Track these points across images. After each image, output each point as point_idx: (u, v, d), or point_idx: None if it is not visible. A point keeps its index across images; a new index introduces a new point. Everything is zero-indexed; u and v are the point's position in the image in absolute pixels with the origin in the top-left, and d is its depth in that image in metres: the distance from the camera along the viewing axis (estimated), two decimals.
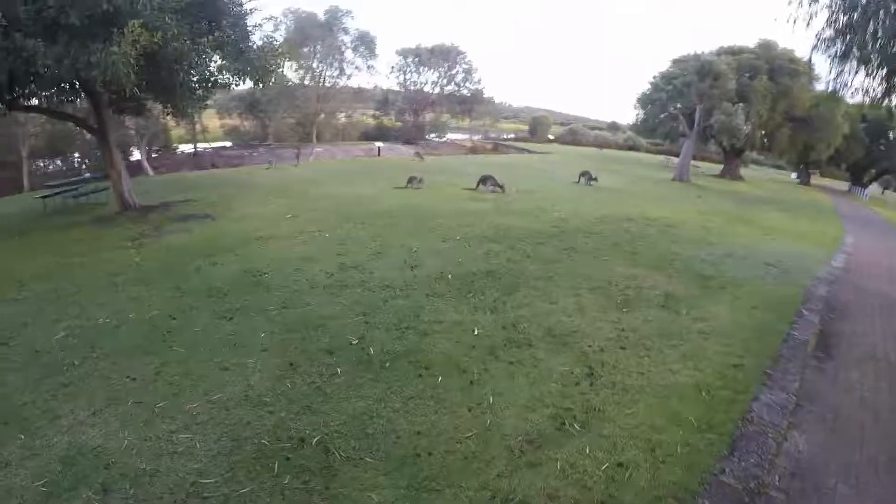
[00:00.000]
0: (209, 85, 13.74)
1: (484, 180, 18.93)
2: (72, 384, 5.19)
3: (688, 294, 8.25)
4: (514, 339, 6.29)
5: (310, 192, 17.10)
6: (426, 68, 54.21)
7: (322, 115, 44.85)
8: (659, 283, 8.71)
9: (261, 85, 15.05)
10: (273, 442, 4.27)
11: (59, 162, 37.29)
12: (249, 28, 13.76)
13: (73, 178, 20.08)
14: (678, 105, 30.89)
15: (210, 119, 49.20)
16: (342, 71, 46.11)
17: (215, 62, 13.14)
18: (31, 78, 10.62)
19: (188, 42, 11.01)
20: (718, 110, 27.85)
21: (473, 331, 6.47)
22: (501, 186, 18.44)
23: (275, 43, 14.70)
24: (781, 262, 10.90)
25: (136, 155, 36.53)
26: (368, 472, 3.94)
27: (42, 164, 35.70)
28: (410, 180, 19.00)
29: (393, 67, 54.26)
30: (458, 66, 54.36)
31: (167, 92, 12.99)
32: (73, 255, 10.04)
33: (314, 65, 44.26)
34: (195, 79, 13.05)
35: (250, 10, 13.85)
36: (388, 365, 5.56)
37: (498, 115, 64.81)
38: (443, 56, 53.78)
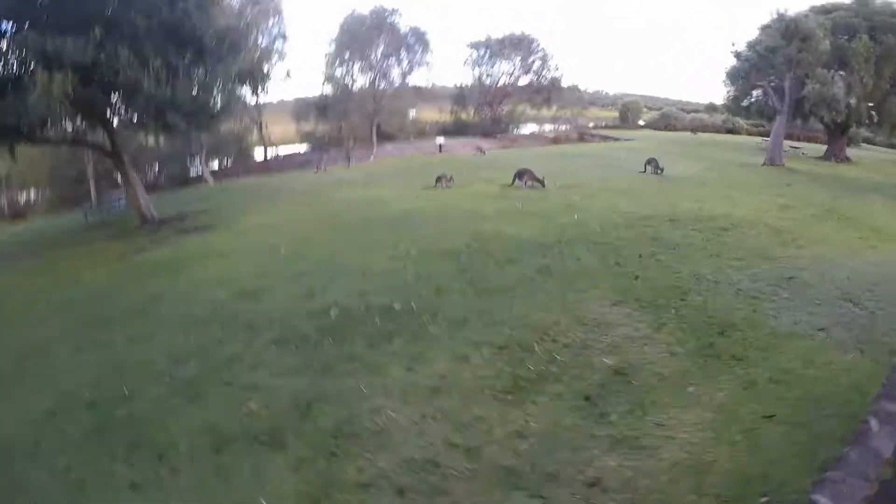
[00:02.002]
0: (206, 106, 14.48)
1: (520, 175, 17.35)
2: None
3: (660, 370, 5.27)
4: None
5: (328, 197, 17.18)
6: (500, 59, 51.71)
7: (377, 116, 43.53)
8: (625, 340, 5.90)
9: (257, 95, 18.05)
10: None
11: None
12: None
13: (110, 195, 21.59)
14: (772, 78, 26.23)
15: (286, 124, 50.40)
16: (383, 75, 44.95)
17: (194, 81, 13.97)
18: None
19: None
20: (812, 79, 23.01)
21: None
22: (541, 181, 16.75)
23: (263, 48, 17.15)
24: (873, 294, 7.16)
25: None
26: None
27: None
28: (439, 179, 18.08)
29: (466, 61, 52.31)
30: (532, 54, 51.47)
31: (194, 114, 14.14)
32: (59, 273, 11.03)
33: (355, 67, 43.53)
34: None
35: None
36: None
37: (585, 103, 60.69)
38: (515, 46, 50.94)
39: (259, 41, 21.94)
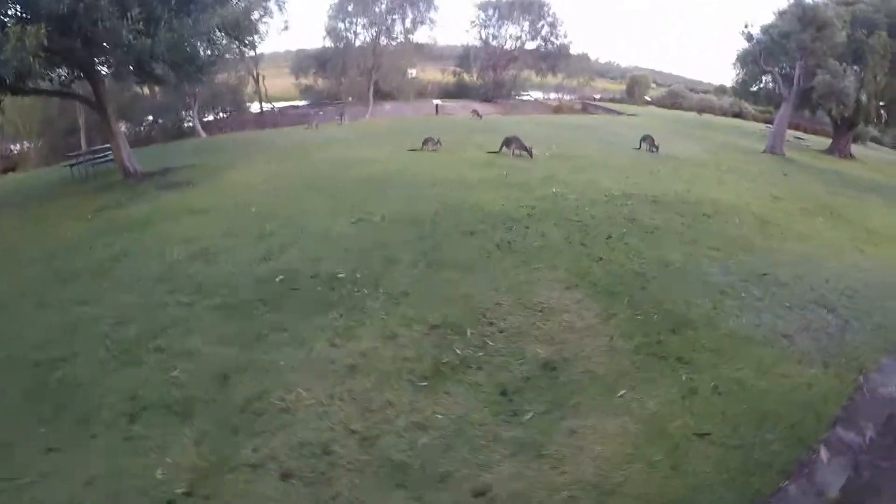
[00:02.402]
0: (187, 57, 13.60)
1: (508, 143, 16.54)
2: None
3: (594, 367, 4.81)
4: None
5: (313, 155, 16.88)
6: (507, 22, 49.80)
7: (376, 73, 42.07)
8: (566, 330, 5.46)
9: (246, 47, 17.01)
10: None
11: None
12: None
13: (95, 147, 20.45)
14: (783, 64, 25.20)
15: (286, 78, 49.49)
16: (387, 29, 43.31)
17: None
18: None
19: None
20: (823, 69, 22.01)
21: None
22: (528, 150, 16.01)
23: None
24: (851, 301, 6.64)
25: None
26: None
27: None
28: (426, 142, 17.28)
29: (473, 22, 50.41)
30: (542, 19, 49.53)
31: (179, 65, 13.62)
32: (39, 226, 10.71)
33: (359, 22, 41.86)
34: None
35: None
36: None
37: (593, 73, 59.17)
38: (524, 9, 49.02)
39: None
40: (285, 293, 6.29)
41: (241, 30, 15.23)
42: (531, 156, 15.80)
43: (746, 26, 24.01)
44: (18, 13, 11.23)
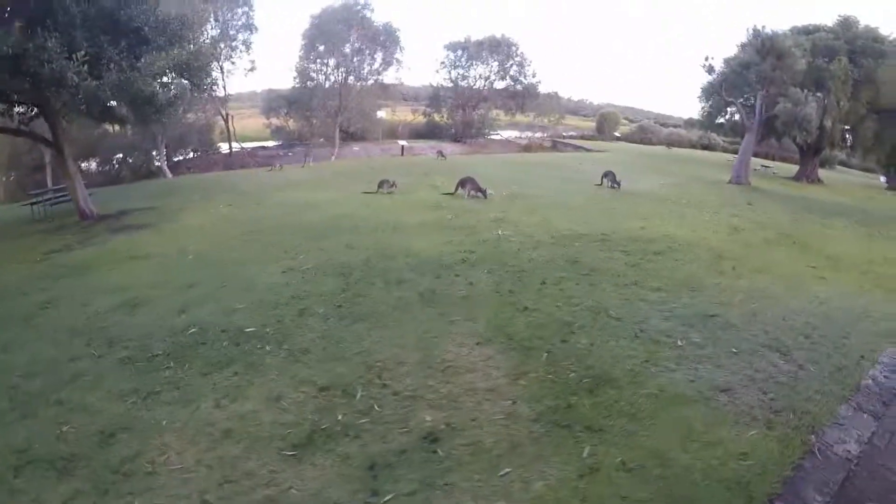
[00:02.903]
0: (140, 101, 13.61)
1: (462, 184, 16.28)
2: None
3: (484, 438, 4.19)
4: None
5: (268, 199, 16.70)
6: (476, 62, 50.17)
7: (342, 115, 42.05)
8: (466, 393, 4.87)
9: (198, 88, 16.97)
10: None
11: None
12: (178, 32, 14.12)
13: (56, 187, 20.36)
14: (746, 93, 25.24)
15: (256, 119, 49.75)
16: (352, 69, 43.43)
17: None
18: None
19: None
20: (785, 97, 21.98)
21: None
22: (482, 191, 15.74)
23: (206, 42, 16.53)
24: (808, 340, 6.02)
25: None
26: None
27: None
28: (381, 184, 17.06)
29: (443, 62, 50.75)
30: (510, 59, 49.95)
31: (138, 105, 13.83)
32: None
33: (330, 63, 41.99)
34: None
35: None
36: None
37: (563, 111, 59.64)
38: (493, 49, 49.43)
39: (208, 33, 21.27)
40: (192, 348, 5.99)
41: (192, 71, 15.19)
42: (485, 197, 15.50)
43: (707, 59, 24.02)
44: None
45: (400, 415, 4.49)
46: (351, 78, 43.28)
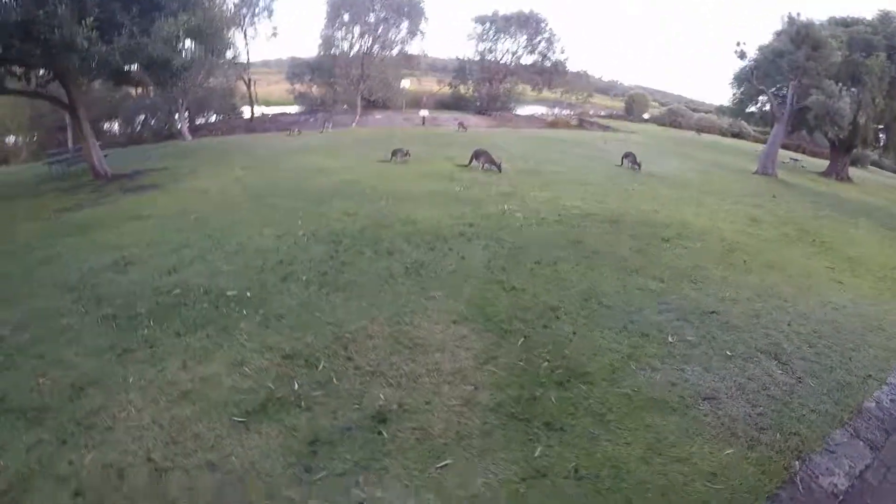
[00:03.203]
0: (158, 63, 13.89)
1: (477, 156, 16.04)
2: None
3: (435, 424, 3.97)
4: None
5: (282, 164, 16.66)
6: (504, 36, 49.00)
7: (363, 83, 41.57)
8: (430, 373, 4.65)
9: (213, 54, 17.34)
10: None
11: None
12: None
13: (76, 147, 20.69)
14: (778, 83, 24.24)
15: (281, 85, 49.90)
16: (380, 35, 42.93)
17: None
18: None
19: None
20: (818, 89, 20.95)
21: None
22: (497, 164, 15.43)
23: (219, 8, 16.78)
24: (812, 350, 5.56)
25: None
26: None
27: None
28: (395, 153, 16.96)
29: (470, 35, 49.78)
30: (539, 34, 48.67)
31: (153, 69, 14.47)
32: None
33: (355, 31, 41.51)
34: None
35: None
36: None
37: (592, 90, 58.22)
38: (522, 24, 48.22)
39: None
40: (173, 308, 5.97)
41: (205, 36, 15.37)
42: (500, 170, 15.18)
43: (739, 44, 22.91)
44: None
45: (356, 390, 4.32)
46: (376, 47, 42.75)
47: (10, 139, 32.99)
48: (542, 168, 16.46)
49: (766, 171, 22.18)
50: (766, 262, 8.70)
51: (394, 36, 44.23)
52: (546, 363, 4.67)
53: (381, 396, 4.22)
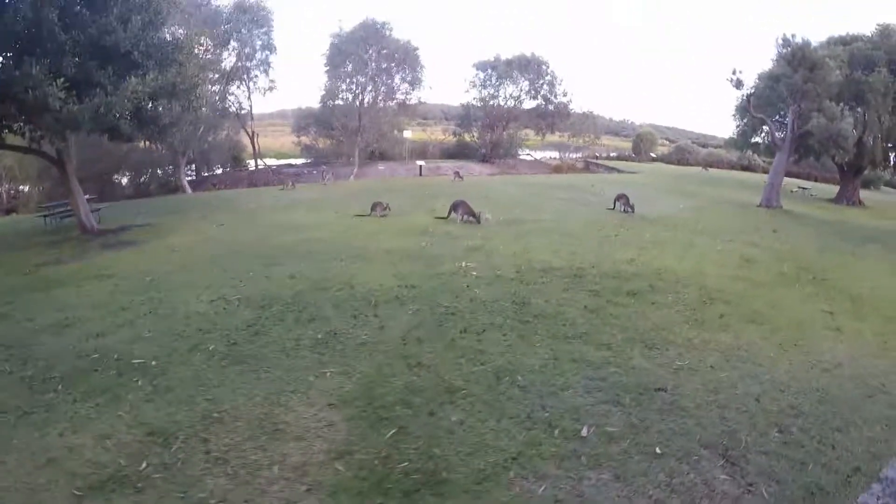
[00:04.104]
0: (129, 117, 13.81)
1: (455, 207, 15.53)
2: None
3: None
4: None
5: (259, 220, 16.69)
6: (506, 81, 48.83)
7: (362, 134, 41.77)
8: (266, 466, 4.08)
9: (187, 110, 16.75)
10: None
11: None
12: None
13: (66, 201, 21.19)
14: (779, 109, 23.45)
15: (287, 136, 51.43)
16: (378, 86, 43.40)
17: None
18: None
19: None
20: (818, 112, 19.98)
21: None
22: (475, 215, 14.99)
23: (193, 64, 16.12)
24: (780, 437, 4.44)
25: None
26: None
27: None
28: (374, 207, 16.64)
29: (473, 82, 49.49)
30: (541, 78, 48.48)
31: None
32: None
33: (341, 85, 42.00)
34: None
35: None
36: None
37: (598, 131, 57.80)
38: (523, 68, 48.16)
39: (200, 54, 21.82)
40: (85, 373, 5.81)
41: (179, 93, 15.45)
42: (479, 221, 14.78)
43: (735, 72, 21.95)
44: None
45: (193, 478, 3.98)
46: (372, 97, 42.98)
47: (23, 188, 34.42)
48: (525, 217, 15.85)
49: (770, 203, 21.12)
50: (748, 314, 7.71)
51: (392, 85, 44.66)
52: (405, 464, 3.83)
53: (210, 488, 3.85)
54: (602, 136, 60.26)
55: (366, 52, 40.66)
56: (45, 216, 18.02)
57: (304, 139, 48.20)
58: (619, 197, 18.02)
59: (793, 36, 20.72)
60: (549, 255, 10.51)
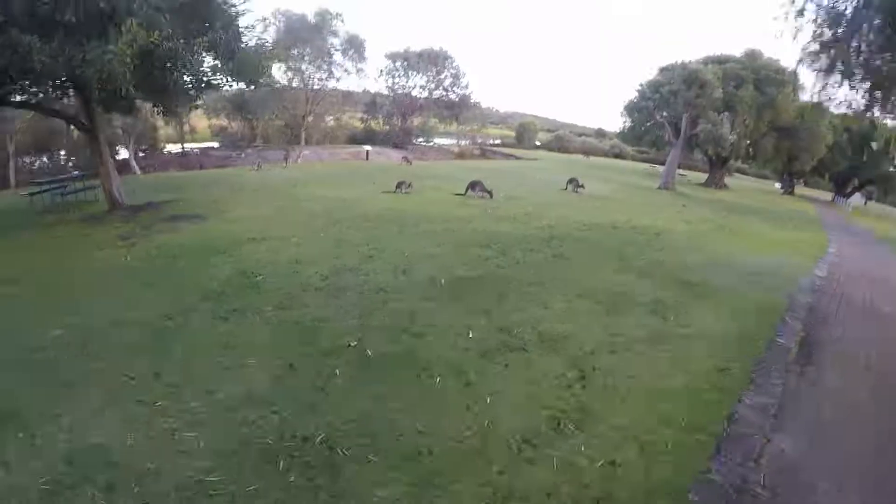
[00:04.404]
0: (202, 86, 13.83)
1: (472, 185, 18.82)
2: (70, 383, 5.16)
3: (675, 301, 8.09)
4: (508, 343, 6.32)
5: (298, 195, 17.13)
6: (414, 72, 53.60)
7: (310, 118, 44.24)
8: (646, 290, 8.58)
9: (252, 86, 15.85)
10: (278, 441, 4.30)
11: (45, 159, 36.78)
12: (241, 29, 13.66)
13: (61, 176, 19.50)
14: (664, 113, 31.35)
15: (198, 119, 49.14)
16: (331, 74, 45.30)
17: (208, 63, 13.34)
18: (26, 73, 10.53)
19: (182, 42, 11.03)
20: (704, 119, 28.39)
21: (468, 334, 6.51)
22: (490, 192, 18.40)
23: (267, 45, 14.90)
24: (765, 271, 10.50)
25: (123, 153, 36.13)
26: (373, 469, 3.99)
27: (27, 161, 35.20)
28: (399, 185, 18.82)
29: (382, 71, 53.85)
30: (446, 70, 53.96)
31: (159, 91, 13.03)
32: (65, 253, 10.21)
33: (303, 67, 43.10)
34: (187, 79, 13.05)
35: (242, 11, 13.75)
36: (386, 366, 5.61)
37: (485, 121, 64.30)
38: (431, 60, 53.12)
39: None
40: (478, 280, 8.07)
41: (252, 72, 13.89)
42: (491, 197, 18.04)
43: (641, 85, 30.31)
44: None
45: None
46: (319, 83, 44.94)
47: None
48: (512, 194, 19.53)
49: (667, 185, 28.93)
50: (715, 243, 13.84)
51: (334, 73, 46.19)
52: (698, 288, 9.26)
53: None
54: (488, 125, 66.22)
55: (320, 38, 42.29)
56: (31, 194, 15.45)
57: (215, 122, 48.41)
58: (571, 180, 23.18)
59: (690, 62, 28.96)
60: (580, 217, 15.41)
